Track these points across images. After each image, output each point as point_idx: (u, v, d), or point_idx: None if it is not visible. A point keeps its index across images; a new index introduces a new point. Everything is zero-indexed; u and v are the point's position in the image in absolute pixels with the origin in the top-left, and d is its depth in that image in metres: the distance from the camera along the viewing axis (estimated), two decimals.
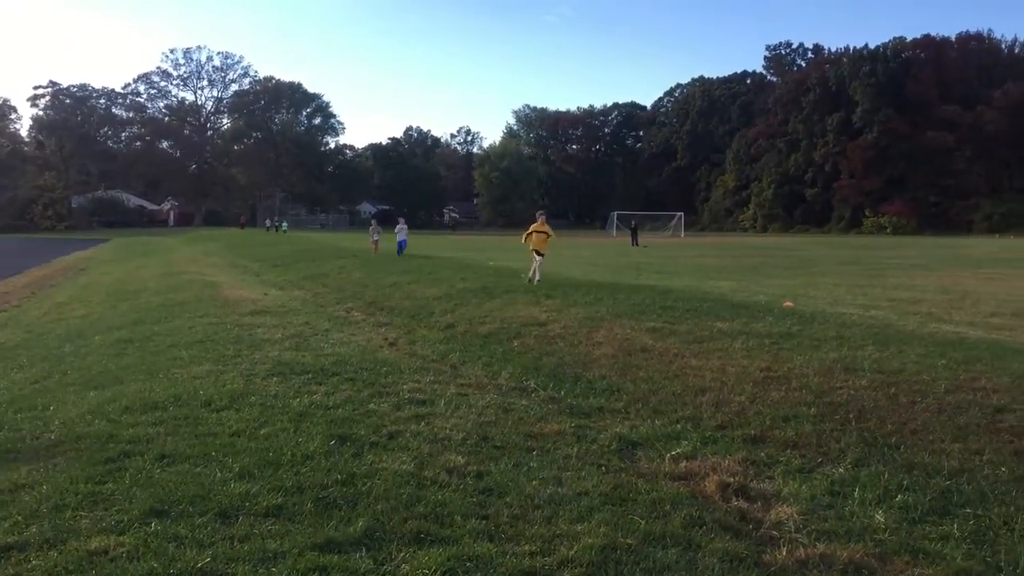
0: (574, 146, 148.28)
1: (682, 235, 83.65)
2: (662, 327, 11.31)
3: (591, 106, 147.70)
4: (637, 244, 51.18)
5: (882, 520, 4.68)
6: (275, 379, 8.73)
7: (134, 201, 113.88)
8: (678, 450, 6.19)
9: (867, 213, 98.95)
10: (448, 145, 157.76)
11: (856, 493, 5.14)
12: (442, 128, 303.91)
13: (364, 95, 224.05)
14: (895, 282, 20.75)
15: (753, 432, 6.55)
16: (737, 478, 5.50)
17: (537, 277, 17.69)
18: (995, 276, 23.28)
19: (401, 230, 32.56)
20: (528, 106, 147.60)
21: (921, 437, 6.13)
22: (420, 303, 15.85)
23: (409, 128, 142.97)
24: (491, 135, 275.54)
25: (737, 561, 4.19)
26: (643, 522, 4.63)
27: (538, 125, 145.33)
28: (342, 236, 60.56)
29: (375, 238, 33.49)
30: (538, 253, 18.14)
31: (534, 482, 5.32)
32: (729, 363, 8.97)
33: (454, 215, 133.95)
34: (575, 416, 7.32)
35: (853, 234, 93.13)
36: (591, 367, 9.44)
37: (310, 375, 8.97)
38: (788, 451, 6.10)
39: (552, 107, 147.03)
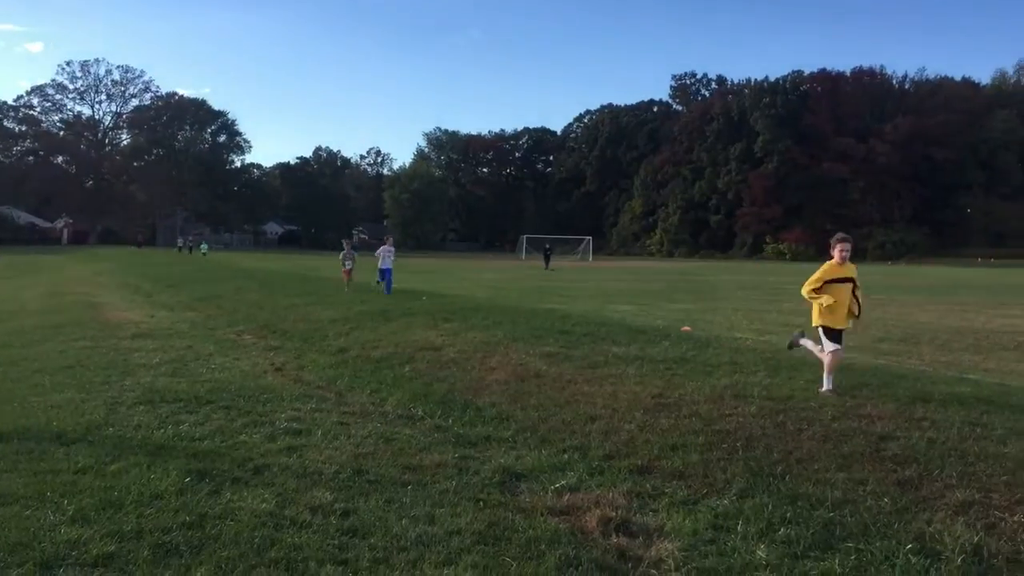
0: (485, 169, 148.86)
1: (590, 259, 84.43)
2: (558, 352, 11.11)
3: (502, 130, 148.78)
4: (548, 268, 51.34)
5: (764, 556, 4.49)
6: (142, 408, 8.15)
7: (25, 218, 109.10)
8: (562, 482, 5.92)
9: (768, 240, 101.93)
10: (358, 166, 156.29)
11: (739, 527, 4.94)
12: (352, 148, 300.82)
13: (272, 114, 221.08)
14: (791, 307, 21.10)
15: (640, 462, 6.33)
16: (620, 512, 5.26)
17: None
18: (885, 301, 23.95)
19: (387, 255, 23.33)
20: (439, 128, 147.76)
21: (806, 466, 6.01)
22: (315, 326, 15.31)
23: (319, 148, 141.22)
24: (402, 156, 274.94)
25: None
26: (515, 564, 4.33)
27: (449, 148, 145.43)
28: (264, 257, 59.06)
29: (348, 265, 24.51)
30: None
31: (404, 520, 4.97)
32: (622, 389, 8.79)
33: (363, 236, 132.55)
34: (460, 446, 7.00)
35: (755, 260, 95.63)
36: (482, 393, 9.14)
37: (182, 403, 8.42)
38: (674, 482, 5.89)
39: (463, 130, 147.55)
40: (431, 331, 13.43)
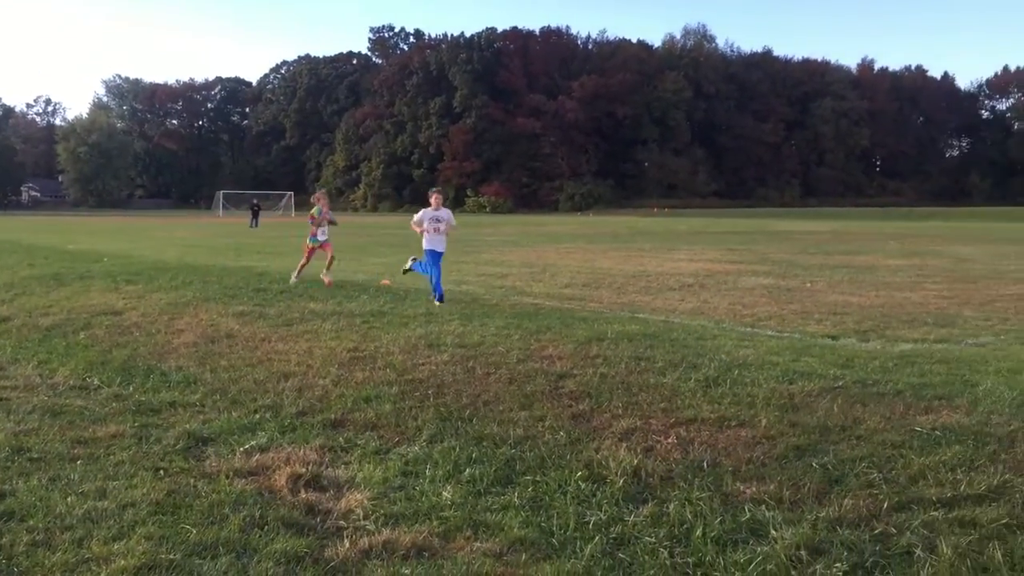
0: (174, 121, 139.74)
1: (292, 214, 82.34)
2: (252, 310, 10.76)
3: (191, 79, 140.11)
4: (257, 225, 49.27)
5: (449, 496, 4.66)
6: None
7: None
8: (252, 443, 5.76)
9: (469, 193, 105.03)
10: (24, 115, 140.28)
11: (428, 471, 5.09)
12: (17, 96, 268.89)
13: None
14: (487, 258, 21.96)
15: (334, 416, 6.32)
16: (311, 467, 5.21)
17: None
18: (573, 250, 25.61)
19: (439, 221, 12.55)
20: (120, 76, 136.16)
21: (492, 408, 6.31)
22: None
23: None
24: (77, 107, 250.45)
25: (296, 561, 3.89)
26: (195, 530, 4.16)
27: (132, 97, 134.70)
28: None
29: (322, 237, 14.36)
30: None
31: (70, 498, 4.60)
32: (317, 345, 8.70)
33: (34, 193, 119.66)
34: (141, 414, 6.58)
35: (458, 213, 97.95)
36: (168, 357, 8.64)
37: None
38: (367, 433, 5.94)
39: (148, 79, 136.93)
40: (112, 294, 12.46)
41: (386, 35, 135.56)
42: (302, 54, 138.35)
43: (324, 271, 14.10)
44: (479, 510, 4.49)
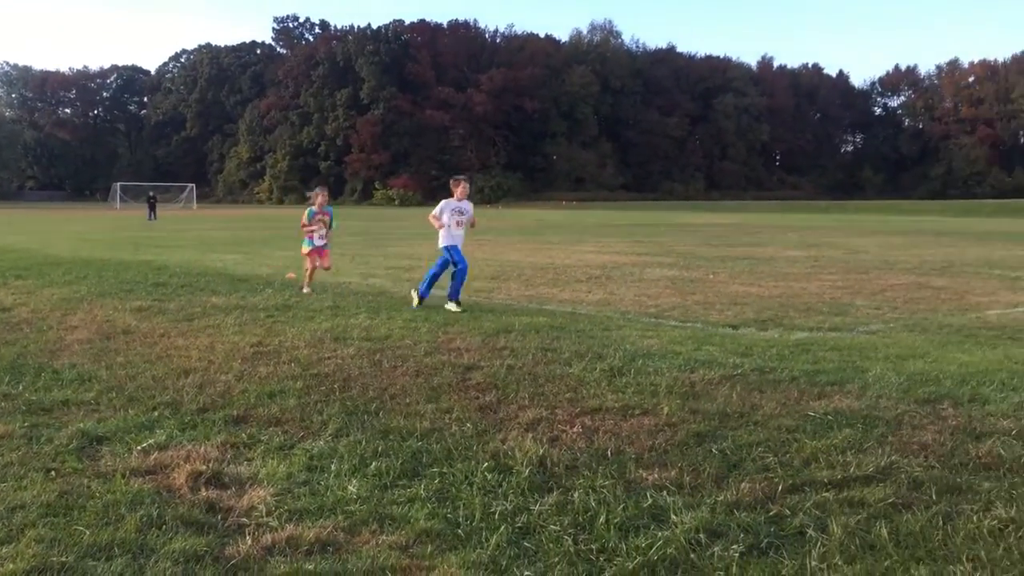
0: (68, 110, 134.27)
1: (194, 207, 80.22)
2: (151, 305, 10.46)
3: (86, 67, 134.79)
4: (155, 218, 47.79)
5: (355, 490, 4.61)
6: None
7: None
8: (150, 441, 5.58)
9: (377, 186, 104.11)
10: None
11: (333, 465, 5.03)
12: None
13: None
14: (395, 251, 21.82)
15: (236, 412, 6.18)
16: (212, 465, 5.09)
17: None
18: (482, 243, 25.63)
19: (462, 214, 11.28)
20: (8, 63, 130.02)
21: (399, 401, 6.28)
22: None
23: None
24: None
25: (195, 560, 3.79)
26: (88, 532, 4.01)
27: (21, 85, 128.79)
28: None
29: (322, 243, 12.68)
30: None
31: None
32: (219, 340, 8.51)
33: None
34: (31, 414, 6.30)
35: (366, 206, 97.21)
36: (61, 355, 8.31)
37: None
38: (271, 429, 5.83)
39: (38, 66, 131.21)
40: None
41: (291, 25, 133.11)
42: (203, 43, 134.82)
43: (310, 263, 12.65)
44: (385, 503, 4.46)
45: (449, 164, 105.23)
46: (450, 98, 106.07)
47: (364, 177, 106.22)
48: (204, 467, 5.02)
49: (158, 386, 7.02)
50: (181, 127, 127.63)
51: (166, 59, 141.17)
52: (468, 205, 11.16)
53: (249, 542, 3.99)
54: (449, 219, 10.94)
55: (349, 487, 4.67)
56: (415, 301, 10.69)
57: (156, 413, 6.28)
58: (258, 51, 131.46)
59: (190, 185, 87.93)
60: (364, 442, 5.39)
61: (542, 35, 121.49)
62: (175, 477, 4.90)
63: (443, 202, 11.14)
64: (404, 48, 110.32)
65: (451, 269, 11.02)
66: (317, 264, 12.51)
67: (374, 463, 5.02)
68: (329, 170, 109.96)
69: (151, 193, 54.58)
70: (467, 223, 11.18)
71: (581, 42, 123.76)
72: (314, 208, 12.54)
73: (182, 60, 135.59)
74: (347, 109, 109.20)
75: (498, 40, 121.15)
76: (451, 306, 10.48)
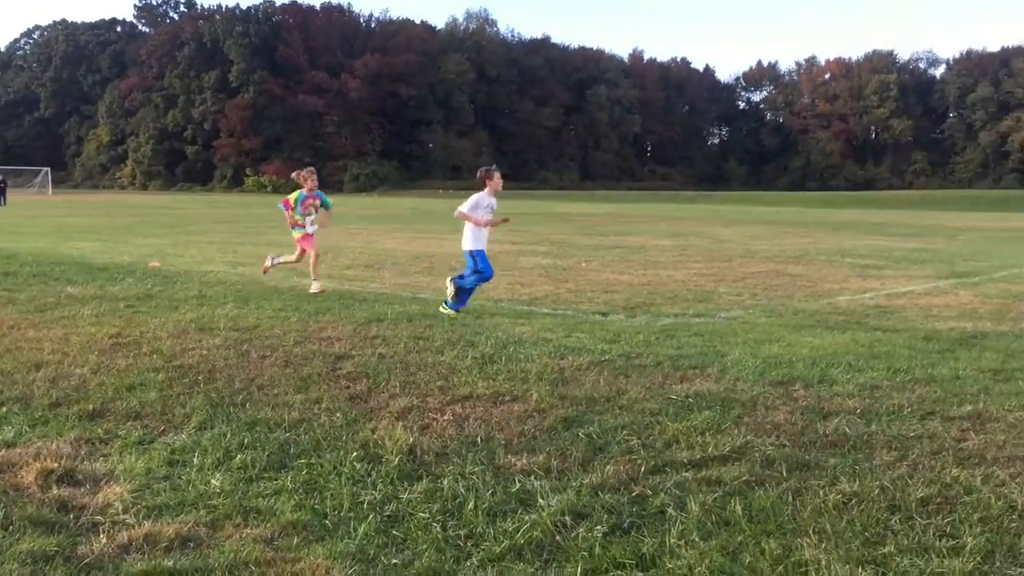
0: None
1: (50, 192, 76.11)
2: None
3: None
4: (4, 203, 44.98)
5: (218, 484, 4.50)
6: None
7: None
8: None
9: (248, 172, 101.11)
10: None
11: (196, 459, 4.89)
12: None
13: None
14: (267, 239, 21.31)
15: (92, 407, 5.91)
16: (64, 461, 4.86)
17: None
18: (357, 231, 25.34)
19: (493, 210, 9.97)
20: None
21: (267, 392, 6.15)
22: None
23: None
24: None
25: (44, 561, 3.62)
26: None
27: None
28: None
29: (312, 229, 11.52)
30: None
31: None
32: (75, 331, 8.13)
33: None
34: None
35: (236, 192, 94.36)
36: None
37: None
38: (129, 423, 5.61)
39: None
40: None
41: (154, 2, 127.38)
42: (58, 19, 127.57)
43: (278, 257, 11.75)
44: (250, 496, 4.37)
45: (323, 151, 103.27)
46: (324, 83, 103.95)
47: (234, 163, 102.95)
48: (56, 464, 4.79)
49: (6, 381, 6.65)
50: (35, 107, 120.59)
51: (17, 35, 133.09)
52: (495, 200, 9.84)
53: (104, 540, 3.84)
54: (484, 215, 9.61)
55: (212, 481, 4.55)
56: (451, 312, 9.34)
57: (4, 409, 5.95)
58: (119, 28, 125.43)
59: (45, 169, 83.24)
60: (229, 434, 5.26)
61: (417, 21, 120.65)
62: (23, 476, 4.67)
63: (476, 196, 9.62)
64: (275, 30, 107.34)
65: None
66: (306, 251, 11.29)
67: (239, 456, 4.90)
68: (197, 155, 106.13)
69: (1, 177, 51.40)
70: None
71: (457, 30, 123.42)
72: (304, 191, 11.24)
73: (35, 36, 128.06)
74: (215, 92, 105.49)
75: (372, 25, 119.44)
76: (445, 308, 9.50)
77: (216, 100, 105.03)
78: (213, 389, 6.22)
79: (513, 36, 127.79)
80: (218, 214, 38.03)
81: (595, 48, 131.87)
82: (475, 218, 9.52)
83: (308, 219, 11.19)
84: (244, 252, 17.14)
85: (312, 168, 11.79)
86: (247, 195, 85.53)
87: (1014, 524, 3.92)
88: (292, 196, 11.21)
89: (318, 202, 11.32)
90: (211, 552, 3.72)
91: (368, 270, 14.32)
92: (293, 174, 11.50)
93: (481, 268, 9.62)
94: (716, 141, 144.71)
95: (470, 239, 9.61)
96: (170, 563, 3.62)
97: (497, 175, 9.73)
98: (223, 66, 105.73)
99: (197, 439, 5.23)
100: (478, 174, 9.88)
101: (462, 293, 9.64)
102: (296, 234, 11.34)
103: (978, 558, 3.57)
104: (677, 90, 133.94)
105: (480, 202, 9.53)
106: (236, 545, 3.77)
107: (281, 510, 4.17)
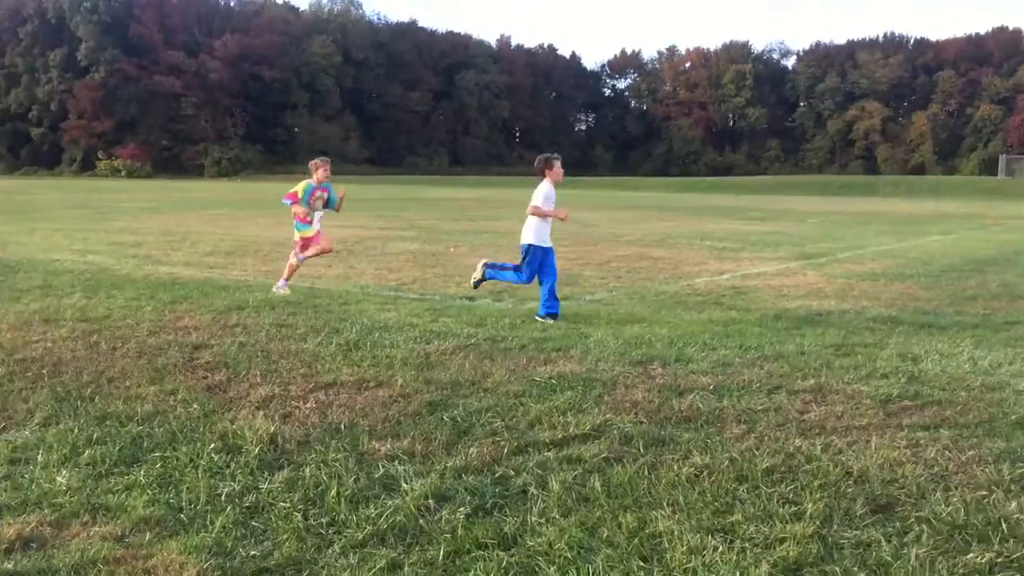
0: None
1: None
2: None
3: None
4: None
5: (64, 482, 4.29)
6: None
7: None
8: None
9: (100, 156, 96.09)
10: None
11: (40, 456, 4.64)
12: None
13: None
14: (120, 226, 20.38)
15: None
16: None
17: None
18: (218, 217, 24.54)
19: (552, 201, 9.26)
20: None
21: (118, 384, 5.89)
22: None
23: None
24: None
25: None
26: None
27: None
28: None
29: (317, 226, 10.40)
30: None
31: None
32: None
33: None
34: None
35: (87, 177, 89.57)
36: None
37: None
38: None
39: None
40: None
41: None
42: None
43: (302, 254, 10.25)
44: (99, 493, 4.19)
45: (182, 134, 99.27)
46: (181, 63, 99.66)
47: (85, 146, 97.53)
48: None
49: None
50: None
51: None
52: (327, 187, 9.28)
53: None
54: (551, 207, 8.86)
55: (58, 478, 4.34)
56: (548, 321, 8.36)
57: None
58: None
59: None
60: (77, 430, 5.02)
61: (279, 1, 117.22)
62: None
63: (546, 187, 8.84)
64: (127, 7, 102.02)
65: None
66: (315, 252, 10.27)
67: (88, 451, 4.69)
68: (44, 138, 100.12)
69: None
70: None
71: (321, 11, 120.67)
72: (312, 183, 10.00)
73: None
74: (62, 71, 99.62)
75: (232, 4, 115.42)
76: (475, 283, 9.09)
77: (63, 80, 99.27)
78: (59, 383, 5.91)
79: (379, 19, 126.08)
80: (67, 199, 36.05)
81: (463, 33, 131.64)
82: (551, 211, 8.81)
83: (316, 215, 10.14)
84: (95, 240, 16.31)
85: (327, 159, 10.47)
86: (99, 179, 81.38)
87: (850, 489, 4.18)
88: (299, 187, 9.99)
89: (326, 195, 10.16)
90: (56, 552, 3.55)
91: (229, 257, 13.90)
92: (310, 164, 10.26)
93: (528, 272, 8.82)
94: (583, 128, 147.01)
95: (532, 233, 8.75)
96: (11, 565, 3.44)
97: (558, 164, 8.99)
98: (71, 44, 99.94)
99: (41, 435, 4.97)
100: (536, 163, 9.06)
101: (490, 273, 9.11)
102: (308, 232, 10.13)
103: (818, 522, 3.79)
104: (544, 76, 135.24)
105: (550, 194, 8.85)
106: (83, 544, 3.62)
107: (133, 506, 4.02)
